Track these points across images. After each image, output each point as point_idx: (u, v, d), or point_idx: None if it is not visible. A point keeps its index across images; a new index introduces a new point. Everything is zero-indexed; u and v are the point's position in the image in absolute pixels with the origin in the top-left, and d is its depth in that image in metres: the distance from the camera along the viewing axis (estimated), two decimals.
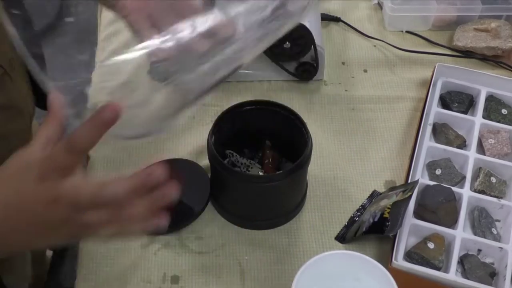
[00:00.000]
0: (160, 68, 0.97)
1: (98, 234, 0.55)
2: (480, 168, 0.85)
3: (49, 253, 1.11)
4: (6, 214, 0.53)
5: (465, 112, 0.92)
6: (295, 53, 0.93)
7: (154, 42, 0.60)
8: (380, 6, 1.11)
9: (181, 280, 0.76)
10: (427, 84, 0.95)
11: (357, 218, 0.81)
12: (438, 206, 0.79)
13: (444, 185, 0.82)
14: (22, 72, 0.79)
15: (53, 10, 2.27)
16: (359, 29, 1.07)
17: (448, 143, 0.88)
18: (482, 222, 0.80)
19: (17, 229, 0.54)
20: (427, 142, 0.88)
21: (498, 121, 0.91)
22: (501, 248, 0.77)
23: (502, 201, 0.82)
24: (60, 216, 0.52)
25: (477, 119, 0.90)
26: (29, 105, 0.81)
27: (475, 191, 0.83)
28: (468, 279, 0.75)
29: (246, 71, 0.97)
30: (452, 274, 0.74)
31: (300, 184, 0.82)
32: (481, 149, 0.88)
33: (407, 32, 1.07)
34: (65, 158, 0.51)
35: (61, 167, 0.51)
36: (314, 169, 0.87)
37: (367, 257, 0.67)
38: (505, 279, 0.74)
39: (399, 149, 0.91)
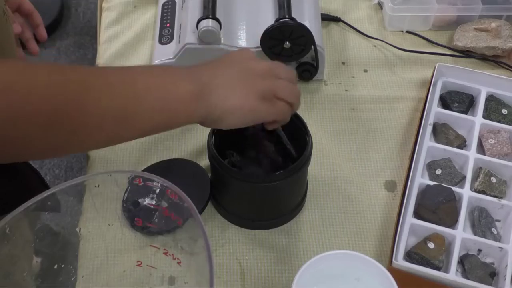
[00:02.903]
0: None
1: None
2: (480, 168, 0.85)
3: None
4: (220, 71, 0.70)
5: (465, 112, 0.92)
6: (295, 53, 0.93)
7: None
8: (380, 6, 1.11)
9: (179, 281, 0.76)
10: (427, 84, 0.95)
11: None
12: (438, 206, 0.80)
13: (444, 185, 0.82)
14: (10, 22, 0.82)
15: (54, 12, 2.27)
16: (359, 29, 1.07)
17: (448, 143, 0.88)
18: (482, 222, 0.80)
19: (225, 84, 0.68)
20: (427, 142, 0.88)
21: (498, 121, 0.91)
22: (501, 248, 0.77)
23: (502, 201, 0.82)
24: (262, 66, 0.71)
25: (477, 119, 0.90)
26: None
27: (475, 191, 0.83)
28: (468, 279, 0.75)
29: None
30: (452, 274, 0.74)
31: (300, 184, 0.82)
32: (481, 149, 0.88)
33: (407, 32, 1.07)
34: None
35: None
36: (314, 169, 0.87)
37: (367, 257, 0.67)
38: (505, 279, 0.74)
39: (399, 149, 0.91)
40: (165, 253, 0.77)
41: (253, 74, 0.70)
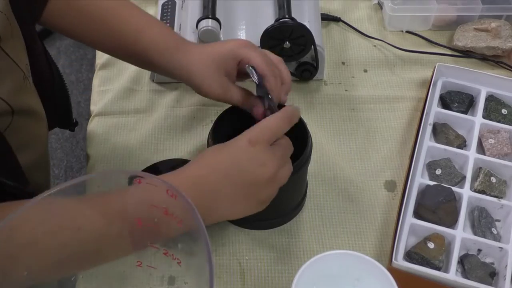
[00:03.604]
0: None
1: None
2: (480, 168, 0.85)
3: None
4: (226, 181, 0.66)
5: (465, 112, 0.92)
6: (295, 53, 0.93)
7: None
8: (380, 6, 1.11)
9: (179, 281, 0.76)
10: (427, 84, 0.95)
11: None
12: (438, 206, 0.80)
13: (444, 185, 0.82)
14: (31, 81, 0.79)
15: None
16: (359, 29, 1.07)
17: (448, 143, 0.88)
18: (482, 222, 0.80)
19: (228, 196, 0.66)
20: (427, 142, 0.88)
21: (498, 121, 0.91)
22: (501, 248, 0.77)
23: (502, 201, 0.82)
24: (268, 175, 0.66)
25: (477, 119, 0.90)
26: (43, 113, 0.82)
27: (475, 191, 0.83)
28: (468, 279, 0.75)
29: None
30: (452, 274, 0.74)
31: (300, 184, 0.82)
32: (481, 149, 0.88)
33: (407, 32, 1.08)
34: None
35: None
36: (314, 169, 0.87)
37: (367, 257, 0.67)
38: (505, 279, 0.74)
39: (399, 149, 0.91)
40: (165, 253, 0.77)
41: (256, 186, 0.67)
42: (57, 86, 0.89)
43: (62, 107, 0.92)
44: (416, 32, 1.07)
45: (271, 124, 0.69)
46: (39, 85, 0.79)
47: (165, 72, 0.80)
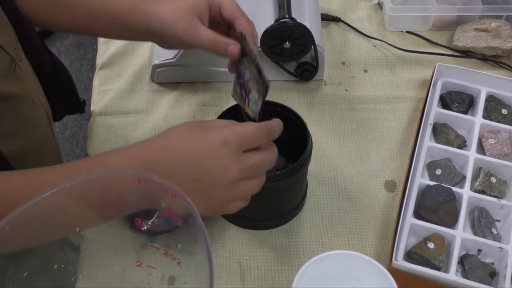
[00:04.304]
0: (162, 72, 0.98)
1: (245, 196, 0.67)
2: (480, 168, 0.85)
3: None
4: (182, 173, 0.63)
5: (465, 112, 0.92)
6: (295, 53, 0.93)
7: None
8: (380, 6, 1.11)
9: (179, 281, 0.76)
10: (427, 84, 0.95)
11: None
12: (438, 206, 0.80)
13: (444, 185, 0.82)
14: (28, 65, 0.79)
15: None
16: (359, 29, 1.07)
17: (448, 143, 0.88)
18: (482, 222, 0.80)
19: (189, 186, 0.60)
20: (427, 142, 0.88)
21: (498, 121, 0.91)
22: (501, 248, 0.77)
23: (502, 201, 0.82)
24: (227, 180, 0.63)
25: (477, 119, 0.90)
26: (42, 99, 0.81)
27: (475, 191, 0.83)
28: (468, 279, 0.75)
29: None
30: (452, 274, 0.74)
31: (300, 184, 0.82)
32: (481, 149, 0.88)
33: (407, 32, 1.08)
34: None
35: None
36: (314, 169, 0.87)
37: (367, 257, 0.67)
38: (505, 279, 0.74)
39: (399, 149, 0.91)
40: (165, 253, 0.77)
41: (213, 187, 0.64)
42: (60, 72, 0.89)
43: (67, 91, 0.92)
44: (416, 32, 1.07)
45: (248, 132, 0.66)
46: (42, 74, 0.80)
47: (139, 30, 0.80)
